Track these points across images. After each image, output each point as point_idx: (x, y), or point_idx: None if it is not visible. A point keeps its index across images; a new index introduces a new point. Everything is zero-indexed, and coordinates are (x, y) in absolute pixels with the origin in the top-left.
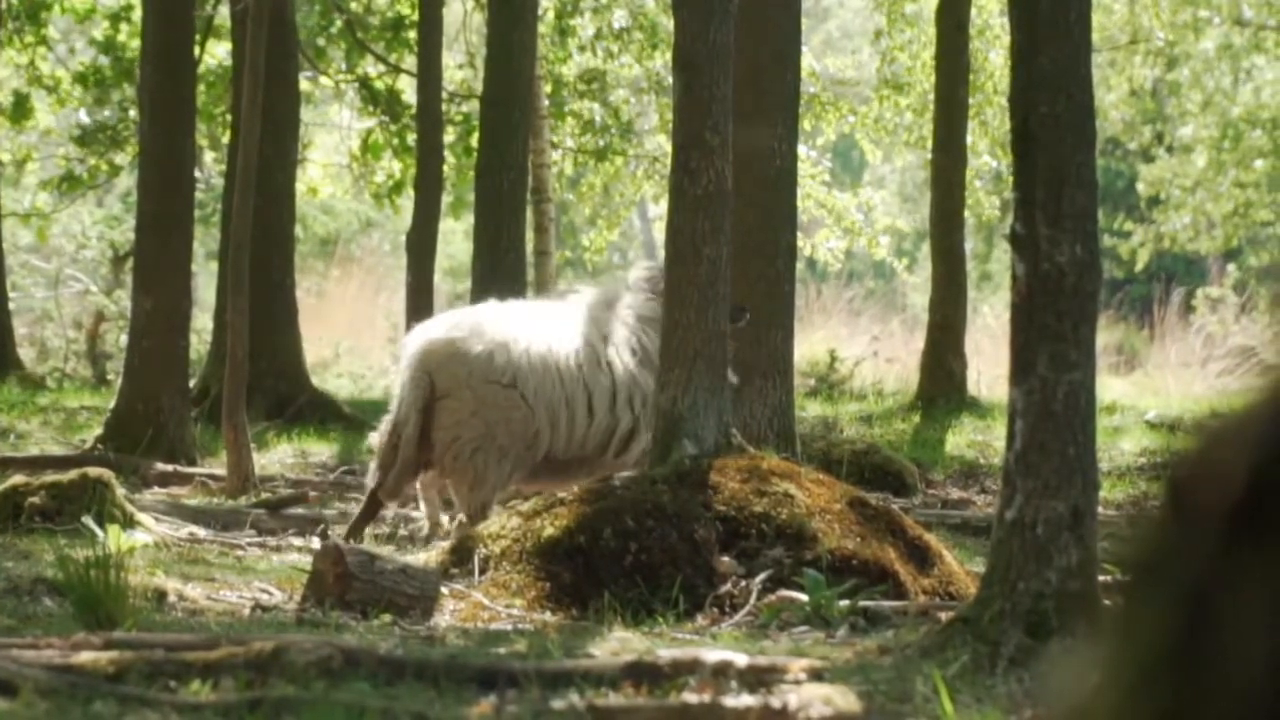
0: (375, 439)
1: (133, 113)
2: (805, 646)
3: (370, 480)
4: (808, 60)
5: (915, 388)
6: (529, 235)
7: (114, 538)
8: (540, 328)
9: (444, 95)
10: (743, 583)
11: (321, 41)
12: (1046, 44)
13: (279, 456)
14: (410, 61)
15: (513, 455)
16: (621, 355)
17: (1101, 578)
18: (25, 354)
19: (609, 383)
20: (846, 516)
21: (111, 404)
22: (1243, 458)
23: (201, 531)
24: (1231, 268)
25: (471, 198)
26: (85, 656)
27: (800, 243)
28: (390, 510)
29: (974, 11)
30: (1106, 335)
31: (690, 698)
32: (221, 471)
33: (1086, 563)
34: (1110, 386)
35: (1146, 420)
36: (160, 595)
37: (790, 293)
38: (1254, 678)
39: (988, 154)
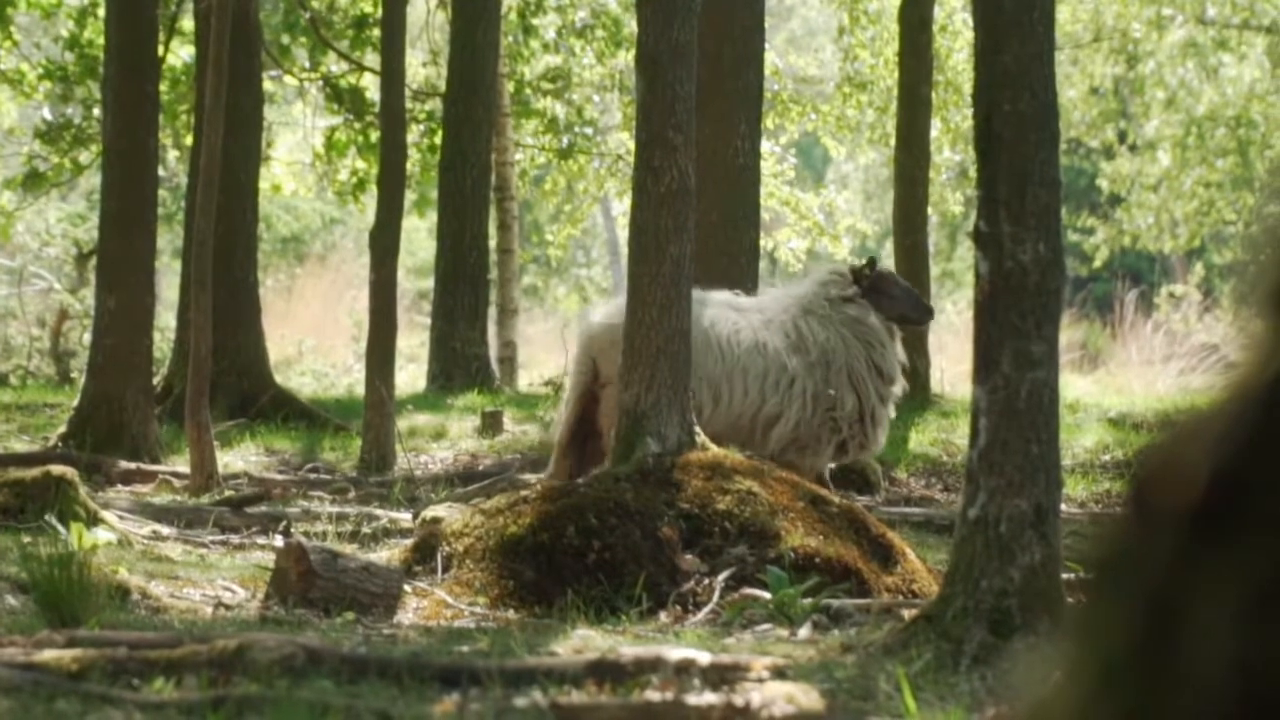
0: (554, 430)
1: (97, 111)
2: (768, 644)
3: (551, 468)
4: (771, 58)
5: None
6: (492, 233)
7: (77, 535)
8: (704, 312)
9: (407, 93)
10: (706, 581)
11: (285, 39)
12: (1009, 42)
13: (242, 454)
14: (373, 59)
15: None
16: (775, 339)
17: (1064, 575)
18: None
19: (762, 364)
20: (809, 514)
21: (75, 402)
22: (1206, 457)
23: (165, 529)
24: (1195, 266)
25: (435, 195)
26: (48, 654)
27: (763, 241)
28: (352, 507)
29: (936, 8)
30: (1069, 333)
31: (653, 696)
32: (185, 469)
33: (1049, 561)
34: (1073, 384)
35: (1109, 418)
36: (123, 593)
37: (753, 290)
38: (1216, 677)
39: (950, 150)
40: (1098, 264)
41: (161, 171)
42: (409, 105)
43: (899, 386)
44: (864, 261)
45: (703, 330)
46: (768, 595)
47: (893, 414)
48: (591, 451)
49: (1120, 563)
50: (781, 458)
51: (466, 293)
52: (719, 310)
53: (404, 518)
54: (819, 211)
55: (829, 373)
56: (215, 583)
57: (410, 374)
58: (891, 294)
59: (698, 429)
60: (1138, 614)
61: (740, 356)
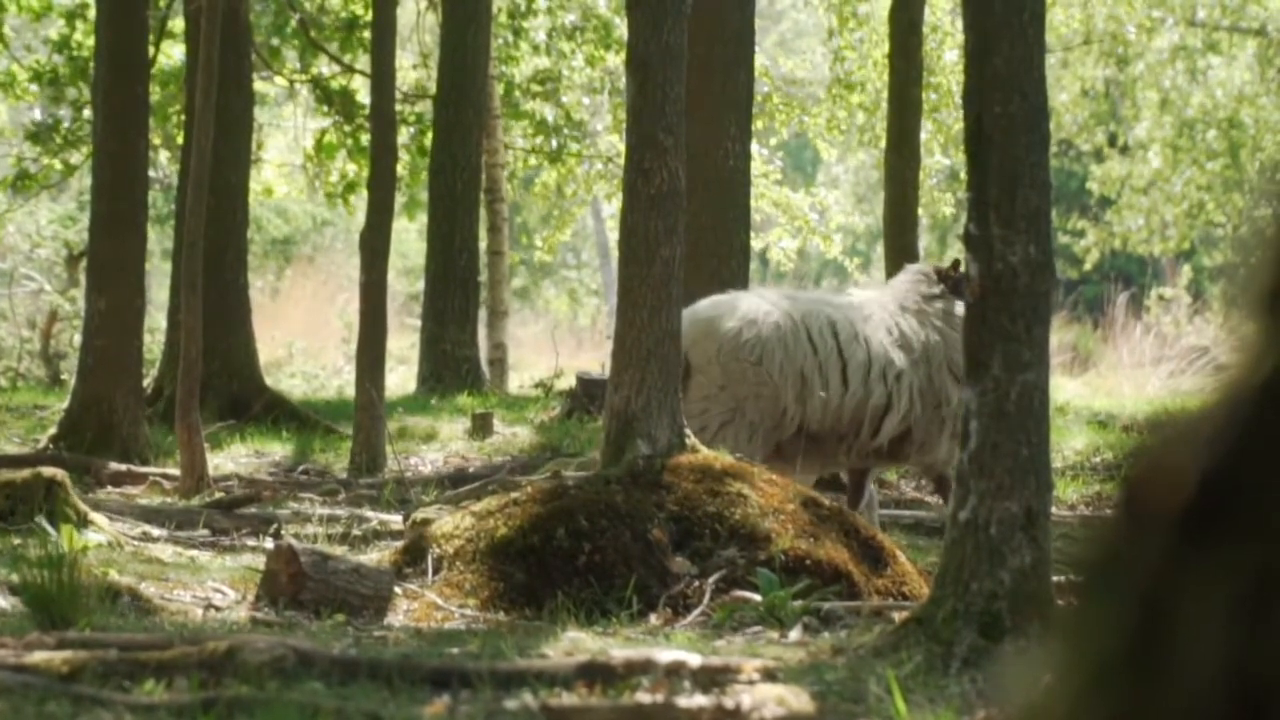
0: None
1: (87, 112)
2: (758, 647)
3: None
4: (761, 60)
5: None
6: (482, 235)
7: (67, 537)
8: (798, 306)
9: (397, 95)
10: (696, 583)
11: (275, 41)
12: (999, 44)
13: (233, 456)
14: (364, 62)
15: (761, 431)
16: (877, 333)
17: (1054, 578)
18: None
19: (865, 356)
20: (800, 516)
21: (65, 403)
22: (1196, 459)
23: (155, 531)
24: (1185, 268)
25: (425, 198)
26: (39, 656)
27: (754, 242)
28: (343, 509)
29: (926, 10)
30: (1060, 335)
31: (644, 698)
32: (175, 471)
33: (1040, 563)
34: (1063, 386)
35: (1099, 420)
36: (114, 595)
37: (740, 288)
38: (1207, 681)
39: (941, 153)
40: (1088, 266)
41: (152, 173)
42: (399, 107)
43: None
44: (949, 263)
45: (792, 325)
46: (758, 597)
47: None
48: None
49: (1110, 565)
50: (900, 460)
51: (457, 295)
52: (812, 305)
53: (394, 520)
54: (811, 210)
55: (930, 369)
56: (206, 584)
57: (401, 376)
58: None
59: (688, 431)
60: (1128, 616)
61: (838, 348)
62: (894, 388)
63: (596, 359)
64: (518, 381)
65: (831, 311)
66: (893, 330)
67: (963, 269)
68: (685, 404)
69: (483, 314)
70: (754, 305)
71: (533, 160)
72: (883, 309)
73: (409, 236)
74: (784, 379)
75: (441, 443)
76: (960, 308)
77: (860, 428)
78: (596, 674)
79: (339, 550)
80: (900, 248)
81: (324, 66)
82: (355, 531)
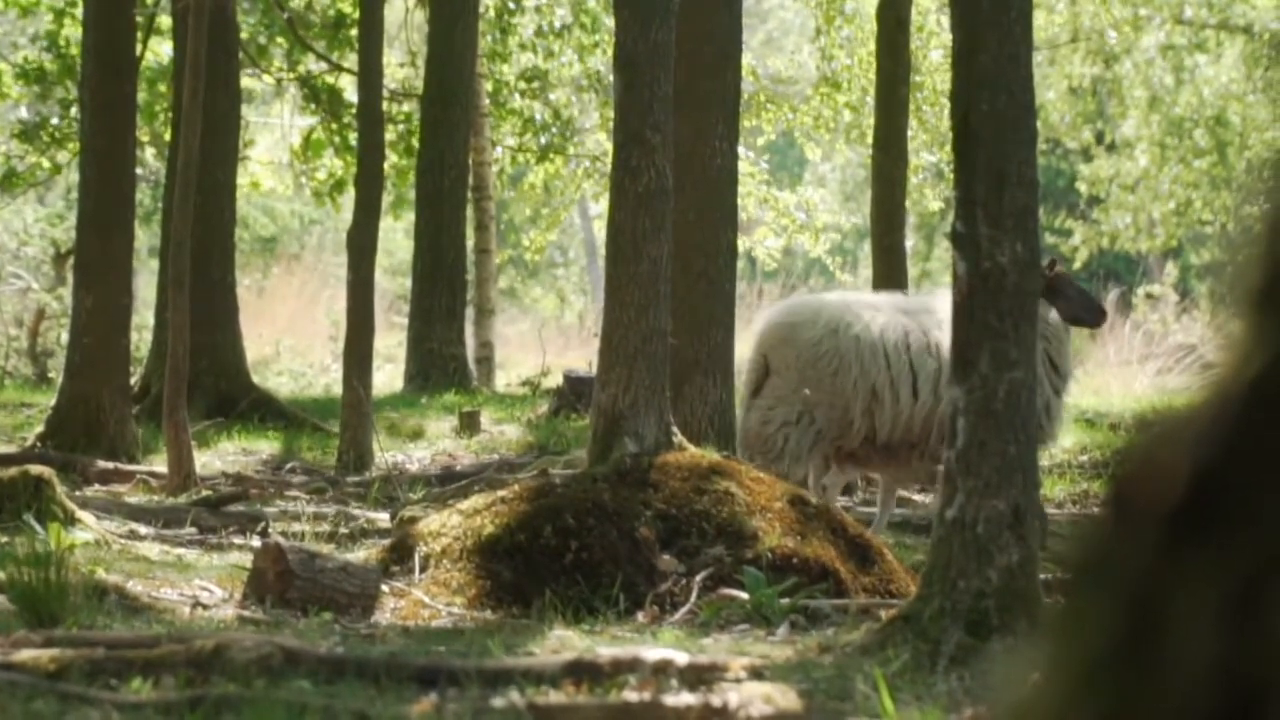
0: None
1: (75, 110)
2: (746, 645)
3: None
4: (748, 59)
5: None
6: (470, 233)
7: (54, 535)
8: (876, 315)
9: (385, 93)
10: (683, 581)
11: (263, 39)
12: (987, 42)
13: (220, 454)
14: (351, 60)
15: (826, 438)
16: (947, 341)
17: (1042, 576)
18: None
19: (935, 365)
20: (787, 515)
21: (53, 401)
22: (1185, 456)
23: (142, 529)
24: (1172, 266)
25: (413, 196)
26: (26, 654)
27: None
28: (330, 507)
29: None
30: None
31: (631, 696)
32: (162, 469)
33: (1027, 561)
34: None
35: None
36: (101, 593)
37: (731, 291)
38: (1196, 680)
39: (926, 151)
40: (1077, 265)
41: (140, 171)
42: (387, 106)
43: (1071, 382)
44: (1044, 263)
45: (871, 338)
46: (745, 595)
47: (1065, 408)
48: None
49: (1099, 562)
50: None
51: (444, 293)
52: (890, 316)
53: (382, 518)
54: (797, 209)
55: None
56: (193, 582)
57: (388, 374)
58: (1067, 295)
59: (675, 429)
60: (1117, 614)
61: (909, 360)
62: None
63: (584, 357)
64: (505, 380)
65: (907, 321)
66: None
67: (1056, 269)
68: (757, 399)
69: (470, 312)
70: (836, 314)
71: (520, 158)
72: None
73: (396, 235)
74: (855, 394)
75: (429, 441)
76: (1050, 312)
77: (930, 435)
78: (584, 672)
79: (326, 548)
80: (887, 246)
81: (311, 64)
82: (342, 529)
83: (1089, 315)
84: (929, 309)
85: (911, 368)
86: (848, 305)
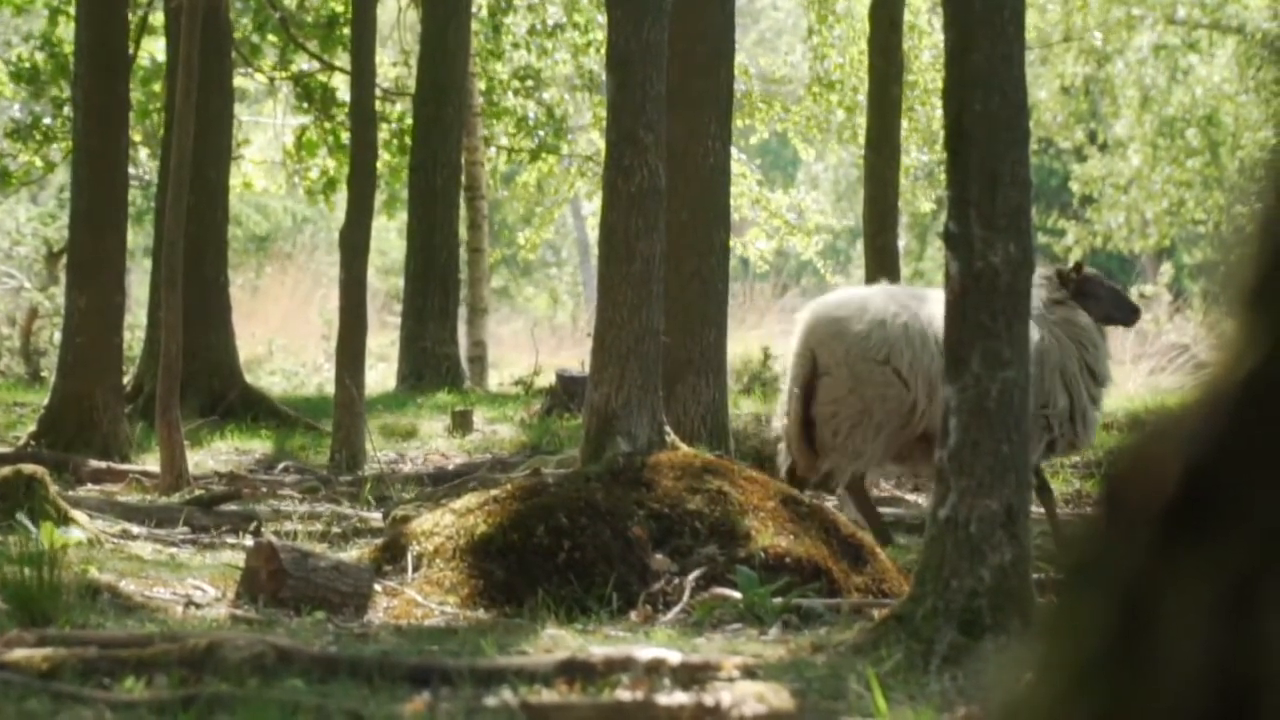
0: (777, 422)
1: (68, 109)
2: (738, 644)
3: (781, 461)
4: (741, 59)
5: None
6: (462, 232)
7: (47, 534)
8: (923, 307)
9: (378, 92)
10: (676, 580)
11: (256, 38)
12: (980, 41)
13: (212, 453)
14: (344, 59)
15: (888, 431)
16: None
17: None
18: None
19: None
20: (780, 514)
21: (45, 401)
22: (1178, 455)
23: (135, 528)
24: (1165, 266)
25: (405, 195)
26: (19, 654)
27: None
28: (323, 506)
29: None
30: None
31: (624, 695)
32: (155, 468)
33: (1020, 560)
34: None
35: None
36: (94, 592)
37: (723, 290)
38: (1188, 679)
39: (917, 151)
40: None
41: (133, 170)
42: (379, 105)
43: (1109, 386)
44: (1071, 265)
45: (920, 328)
46: (738, 595)
47: (1100, 414)
48: (809, 440)
49: (1093, 561)
50: None
51: (436, 292)
52: (936, 306)
53: (374, 517)
54: (789, 211)
55: (1042, 372)
56: (186, 582)
57: (380, 373)
58: (1098, 295)
59: (668, 428)
60: (1111, 612)
61: None
62: None
63: (576, 357)
64: (498, 379)
65: None
66: None
67: (1085, 270)
68: (815, 405)
69: (463, 311)
70: (882, 306)
71: (513, 157)
72: None
73: (389, 234)
74: (913, 375)
75: (421, 440)
76: (1083, 315)
77: None
78: (576, 671)
79: (319, 547)
80: (880, 246)
81: (304, 63)
82: (335, 529)
83: (1123, 313)
84: None
85: None
86: (892, 295)
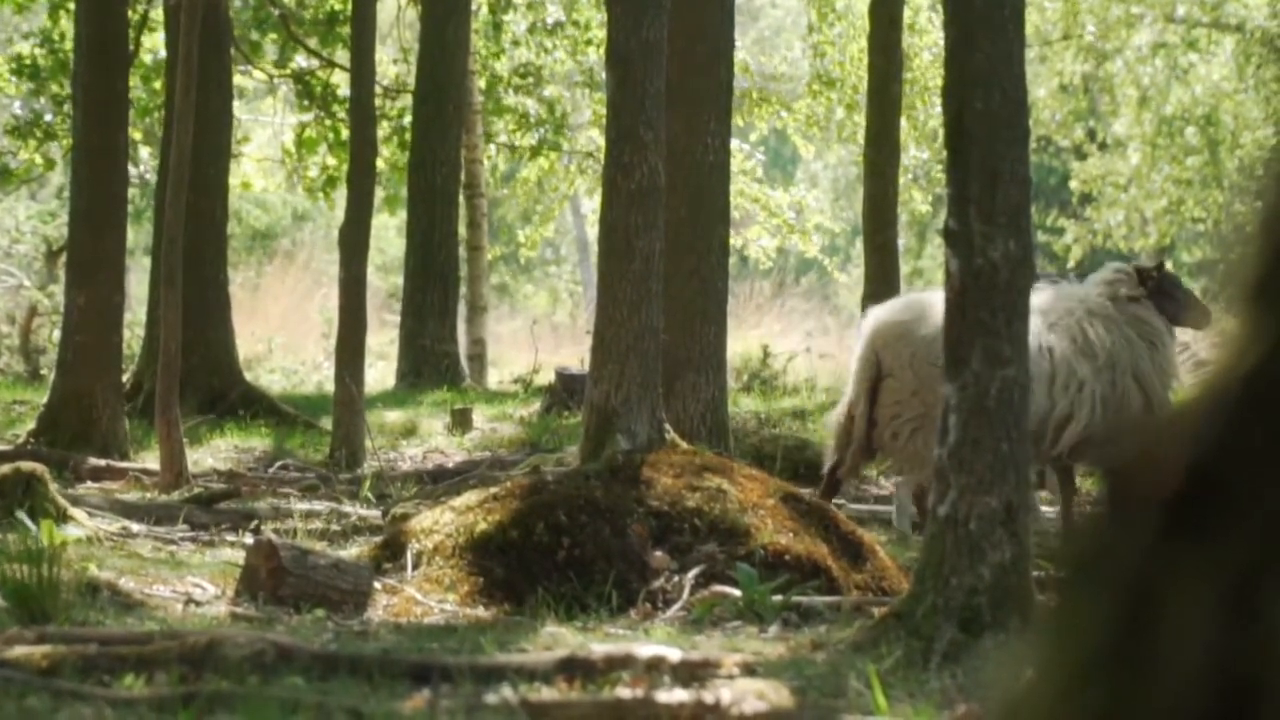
0: (831, 420)
1: (68, 106)
2: (738, 642)
3: (828, 459)
4: (740, 56)
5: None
6: (461, 230)
7: (47, 532)
8: None
9: (377, 90)
10: (675, 578)
11: (255, 36)
12: (980, 39)
13: (212, 451)
14: (344, 56)
15: None
16: (1061, 342)
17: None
18: None
19: (1048, 367)
20: (779, 512)
21: (45, 399)
22: (1181, 451)
23: (135, 526)
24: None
25: (405, 193)
26: (18, 651)
27: (732, 239)
28: (322, 504)
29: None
30: None
31: (623, 693)
32: (155, 466)
33: (1020, 558)
34: None
35: None
36: (94, 590)
37: (723, 288)
38: (1191, 674)
39: (915, 149)
40: (1071, 264)
41: (133, 168)
42: (379, 102)
43: (1179, 385)
44: (1152, 264)
45: None
46: (738, 593)
47: None
48: (869, 441)
49: (1095, 558)
50: (1071, 459)
51: (436, 290)
52: None
53: (374, 515)
54: (789, 209)
55: (1115, 374)
56: (185, 579)
57: (380, 371)
58: (1175, 296)
59: (667, 426)
60: (1112, 611)
61: None
62: (1075, 399)
63: (576, 354)
64: (497, 377)
65: None
66: (1078, 338)
67: (1164, 270)
68: (878, 407)
69: (462, 309)
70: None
71: (513, 155)
72: (1070, 314)
73: (389, 232)
74: None
75: (421, 438)
76: (1157, 315)
77: (1043, 437)
78: (576, 669)
79: (318, 545)
80: (880, 244)
81: (303, 61)
82: (335, 526)
83: (1194, 316)
84: (1044, 309)
85: None
86: None
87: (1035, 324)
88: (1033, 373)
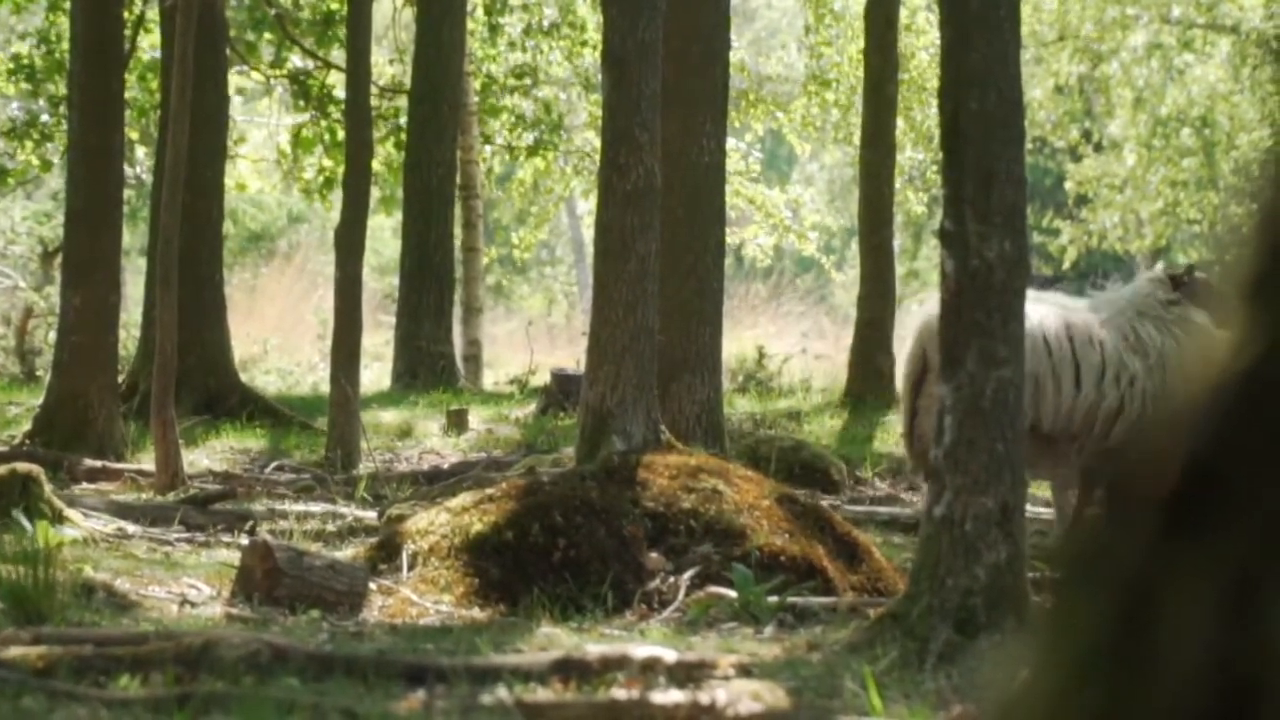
0: (902, 434)
1: (64, 107)
2: (734, 642)
3: (913, 471)
4: (736, 57)
5: (843, 384)
6: (457, 231)
7: (42, 533)
8: (1034, 306)
9: (374, 91)
10: (671, 579)
11: (251, 36)
12: (976, 40)
13: (207, 452)
14: (339, 56)
15: None
16: (1113, 338)
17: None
18: None
19: (1099, 359)
20: (775, 513)
21: (40, 399)
22: (1179, 448)
23: (130, 527)
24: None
25: (401, 193)
26: (14, 651)
27: (729, 238)
28: (318, 505)
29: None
30: None
31: (619, 694)
32: (150, 467)
33: (1015, 559)
34: None
35: None
36: (89, 591)
37: (719, 289)
38: (1189, 673)
39: (911, 149)
40: (1066, 265)
41: (129, 168)
42: (375, 103)
43: None
44: (1183, 268)
45: (1030, 327)
46: (733, 593)
47: None
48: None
49: (1093, 556)
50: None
51: (431, 291)
52: (1049, 309)
53: (369, 516)
54: (785, 209)
55: (1166, 374)
56: (181, 580)
57: (375, 372)
58: (1209, 297)
59: (663, 427)
60: (1111, 607)
61: (1072, 350)
62: (1127, 392)
63: (571, 355)
64: (493, 378)
65: (1069, 315)
66: (1129, 335)
67: (1195, 274)
68: (921, 399)
69: (458, 310)
70: None
71: (509, 156)
72: (1120, 314)
73: (384, 233)
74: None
75: (416, 439)
76: (1197, 314)
77: (1092, 429)
78: (572, 670)
79: (314, 546)
80: (875, 244)
81: (299, 61)
82: (330, 527)
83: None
84: (1094, 308)
85: (1074, 357)
86: None
87: (1088, 319)
88: (1082, 363)
